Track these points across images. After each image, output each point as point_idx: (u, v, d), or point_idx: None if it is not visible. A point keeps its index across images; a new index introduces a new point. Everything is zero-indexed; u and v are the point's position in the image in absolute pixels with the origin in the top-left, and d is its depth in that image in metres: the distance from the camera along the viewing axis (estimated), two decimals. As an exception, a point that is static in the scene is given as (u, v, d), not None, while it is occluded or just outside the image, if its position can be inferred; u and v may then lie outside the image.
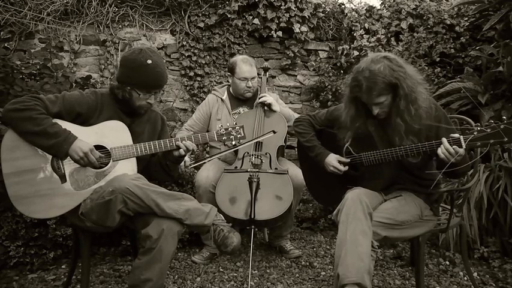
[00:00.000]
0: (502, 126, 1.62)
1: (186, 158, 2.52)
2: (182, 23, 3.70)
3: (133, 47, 2.20)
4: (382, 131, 1.97)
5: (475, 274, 2.44)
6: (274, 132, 2.31)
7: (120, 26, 3.62)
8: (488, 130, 1.65)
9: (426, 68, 3.74)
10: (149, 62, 1.89)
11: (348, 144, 2.06)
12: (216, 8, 3.69)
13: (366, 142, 1.99)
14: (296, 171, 2.60)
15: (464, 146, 1.68)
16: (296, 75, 3.99)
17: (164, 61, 2.00)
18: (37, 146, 1.79)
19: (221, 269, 2.56)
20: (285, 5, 3.69)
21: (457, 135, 1.71)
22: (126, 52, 1.97)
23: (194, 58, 3.71)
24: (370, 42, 3.83)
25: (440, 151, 1.72)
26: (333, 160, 2.12)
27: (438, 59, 3.82)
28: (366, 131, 1.97)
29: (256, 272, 2.52)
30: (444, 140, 1.72)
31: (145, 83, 1.91)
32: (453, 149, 1.69)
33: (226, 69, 2.98)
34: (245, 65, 2.78)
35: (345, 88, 2.00)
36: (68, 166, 1.84)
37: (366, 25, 3.93)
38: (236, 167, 2.60)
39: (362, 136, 1.99)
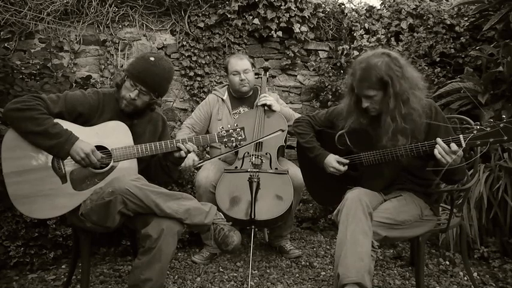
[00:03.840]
0: (501, 125, 1.63)
1: (195, 157, 2.54)
2: (182, 23, 3.70)
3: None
4: (374, 131, 1.97)
5: (475, 274, 2.44)
6: (282, 130, 2.46)
7: (120, 26, 3.62)
8: (488, 129, 1.65)
9: (426, 68, 3.74)
10: (152, 59, 1.91)
11: (344, 131, 2.04)
12: (216, 8, 3.69)
13: (364, 141, 2.00)
14: (296, 171, 2.60)
15: (464, 145, 1.68)
16: (296, 75, 3.99)
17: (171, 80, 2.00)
18: (38, 146, 1.79)
19: (221, 269, 2.56)
20: (285, 5, 3.69)
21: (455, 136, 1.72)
22: None
23: (194, 58, 3.71)
24: (370, 42, 3.83)
25: (436, 151, 1.72)
26: (332, 161, 2.11)
27: (438, 59, 3.82)
28: (360, 126, 1.98)
29: (256, 272, 2.52)
30: (439, 139, 1.72)
31: (135, 71, 1.91)
32: (449, 147, 1.69)
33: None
34: (234, 59, 2.83)
35: (347, 78, 2.02)
36: (69, 166, 1.84)
37: (366, 25, 3.93)
38: (236, 167, 2.60)
39: (360, 134, 1.99)
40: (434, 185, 1.99)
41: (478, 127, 1.68)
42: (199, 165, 2.61)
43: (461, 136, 1.70)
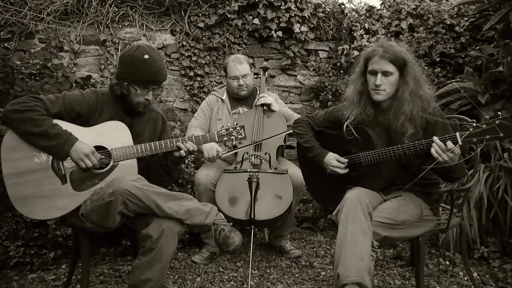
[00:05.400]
0: (497, 122, 1.63)
1: (219, 148, 2.50)
2: (182, 23, 3.70)
3: (132, 44, 2.19)
4: (380, 129, 1.97)
5: (475, 274, 2.44)
6: (287, 130, 2.58)
7: (120, 26, 3.62)
8: (484, 126, 1.66)
9: (426, 68, 3.74)
10: (146, 57, 1.88)
11: (350, 121, 2.04)
12: (216, 8, 3.68)
13: (363, 140, 2.00)
14: (296, 171, 2.60)
15: (460, 142, 1.69)
16: (296, 75, 3.99)
17: (164, 61, 1.98)
18: (38, 147, 1.79)
19: (221, 269, 2.56)
20: (285, 5, 3.69)
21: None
22: (125, 49, 1.98)
23: (194, 58, 3.71)
24: (370, 42, 3.82)
25: (433, 150, 1.73)
26: (332, 160, 2.12)
27: (438, 59, 3.82)
28: (363, 121, 1.99)
29: (256, 272, 2.52)
30: (435, 137, 1.73)
31: (142, 78, 1.90)
32: (445, 145, 1.70)
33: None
34: (234, 64, 2.79)
35: (356, 63, 2.07)
36: (68, 167, 1.84)
37: (366, 25, 3.93)
38: (236, 167, 2.60)
39: (359, 134, 2.00)
40: (436, 192, 2.01)
41: (474, 124, 1.69)
42: (224, 155, 2.59)
43: (457, 134, 1.70)
